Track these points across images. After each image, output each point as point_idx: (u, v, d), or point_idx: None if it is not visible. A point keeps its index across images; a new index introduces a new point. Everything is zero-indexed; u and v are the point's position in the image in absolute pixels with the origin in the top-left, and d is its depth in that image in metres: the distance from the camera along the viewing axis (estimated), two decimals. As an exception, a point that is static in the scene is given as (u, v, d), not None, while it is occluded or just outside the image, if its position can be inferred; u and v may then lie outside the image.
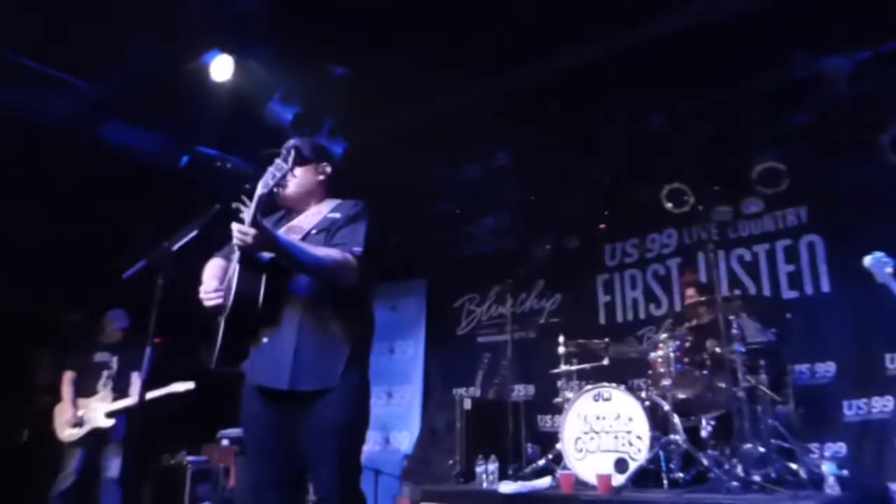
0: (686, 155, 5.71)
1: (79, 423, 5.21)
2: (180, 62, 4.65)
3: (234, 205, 2.38)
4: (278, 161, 2.36)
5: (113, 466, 5.21)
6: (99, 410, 5.26)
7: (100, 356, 5.50)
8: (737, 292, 5.59)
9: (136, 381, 5.44)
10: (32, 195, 5.81)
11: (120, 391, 5.36)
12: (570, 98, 5.25)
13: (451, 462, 5.37)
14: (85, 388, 5.38)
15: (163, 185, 5.83)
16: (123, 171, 5.69)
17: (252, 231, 2.27)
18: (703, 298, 4.82)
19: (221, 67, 4.63)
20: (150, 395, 4.92)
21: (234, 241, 2.30)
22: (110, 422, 5.25)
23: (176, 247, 2.44)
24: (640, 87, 5.15)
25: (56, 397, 5.40)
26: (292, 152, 2.35)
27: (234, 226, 2.30)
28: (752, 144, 5.54)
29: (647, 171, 6.00)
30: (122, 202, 5.96)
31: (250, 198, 2.29)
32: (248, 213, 2.29)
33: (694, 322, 4.97)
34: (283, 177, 2.36)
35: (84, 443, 5.21)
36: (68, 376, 5.41)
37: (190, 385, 5.18)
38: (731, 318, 4.39)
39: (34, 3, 4.10)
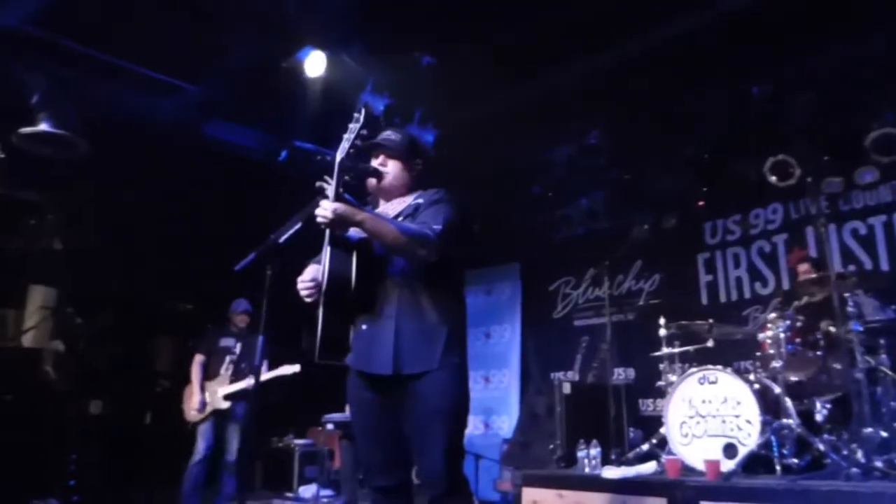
0: (791, 124, 5.44)
1: (203, 405, 5.55)
2: (276, 61, 4.81)
3: (317, 184, 2.43)
4: (351, 125, 2.41)
5: (232, 448, 5.54)
6: (218, 393, 5.59)
7: (225, 342, 5.83)
8: (851, 268, 5.30)
9: (263, 368, 5.73)
10: (147, 193, 6.19)
11: (239, 375, 5.66)
12: (665, 71, 5.08)
13: (551, 446, 5.35)
14: (210, 372, 5.72)
15: (267, 180, 6.07)
16: (229, 168, 5.97)
17: (335, 205, 2.32)
18: (814, 275, 4.57)
19: (315, 63, 4.75)
20: (261, 378, 5.18)
21: (318, 218, 2.34)
22: (227, 403, 5.56)
23: (282, 239, 2.52)
24: (739, 54, 4.93)
25: (175, 383, 5.75)
26: (363, 111, 2.39)
27: (320, 203, 2.34)
28: (865, 110, 5.20)
29: (748, 143, 5.75)
30: (230, 197, 6.26)
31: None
32: (331, 189, 2.34)
33: (805, 300, 4.73)
34: (358, 136, 2.40)
35: (209, 422, 5.54)
36: (197, 360, 5.76)
37: (296, 368, 5.39)
38: (847, 295, 4.14)
39: (143, 12, 4.34)
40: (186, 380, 5.80)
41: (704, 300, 6.36)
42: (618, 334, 5.96)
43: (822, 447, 3.82)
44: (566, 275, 7.45)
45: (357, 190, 2.50)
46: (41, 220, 6.80)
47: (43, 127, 4.65)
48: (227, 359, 5.71)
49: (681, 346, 4.96)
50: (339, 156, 2.40)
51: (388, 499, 2.55)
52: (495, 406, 7.41)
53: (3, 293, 7.51)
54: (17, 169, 5.37)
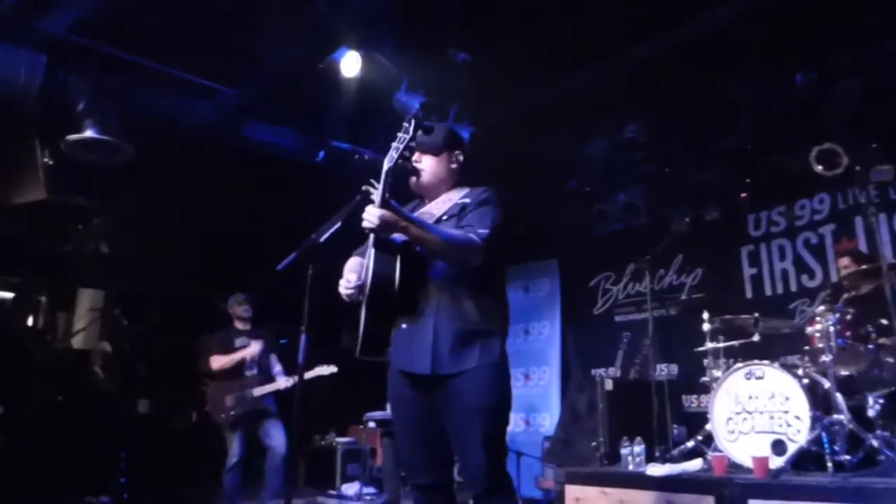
0: (837, 112, 5.27)
1: (233, 407, 5.42)
2: (312, 62, 4.85)
3: (363, 188, 2.45)
4: (400, 134, 2.41)
5: (276, 443, 5.41)
6: (248, 395, 5.45)
7: (240, 342, 5.68)
8: (903, 258, 5.13)
9: (274, 363, 5.73)
10: (189, 195, 6.31)
11: (263, 374, 5.59)
12: (703, 60, 4.98)
13: (594, 444, 5.30)
14: (232, 372, 5.57)
15: (305, 179, 6.13)
16: (268, 168, 6.03)
17: (381, 211, 2.33)
18: (864, 267, 4.44)
19: (350, 63, 4.78)
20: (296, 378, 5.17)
21: (364, 223, 2.35)
22: (260, 403, 5.46)
23: (323, 238, 2.54)
24: (781, 42, 4.81)
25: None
26: (413, 121, 2.38)
27: (367, 209, 2.36)
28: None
29: (792, 133, 5.59)
30: (270, 197, 6.34)
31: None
32: (377, 194, 2.35)
33: (854, 293, 4.60)
34: (407, 147, 2.40)
35: (241, 424, 5.43)
36: (216, 361, 5.61)
37: (333, 368, 5.31)
38: (899, 287, 4.01)
39: (180, 17, 4.41)
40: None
41: (749, 294, 6.22)
42: (660, 330, 5.88)
43: (875, 443, 3.72)
44: (606, 270, 7.37)
45: (398, 189, 2.51)
46: (88, 224, 6.98)
47: (88, 133, 4.76)
48: (248, 359, 5.60)
49: (725, 340, 4.86)
50: (386, 164, 2.40)
51: (430, 496, 2.56)
52: (536, 403, 7.38)
53: (54, 296, 7.75)
54: (64, 175, 5.51)
